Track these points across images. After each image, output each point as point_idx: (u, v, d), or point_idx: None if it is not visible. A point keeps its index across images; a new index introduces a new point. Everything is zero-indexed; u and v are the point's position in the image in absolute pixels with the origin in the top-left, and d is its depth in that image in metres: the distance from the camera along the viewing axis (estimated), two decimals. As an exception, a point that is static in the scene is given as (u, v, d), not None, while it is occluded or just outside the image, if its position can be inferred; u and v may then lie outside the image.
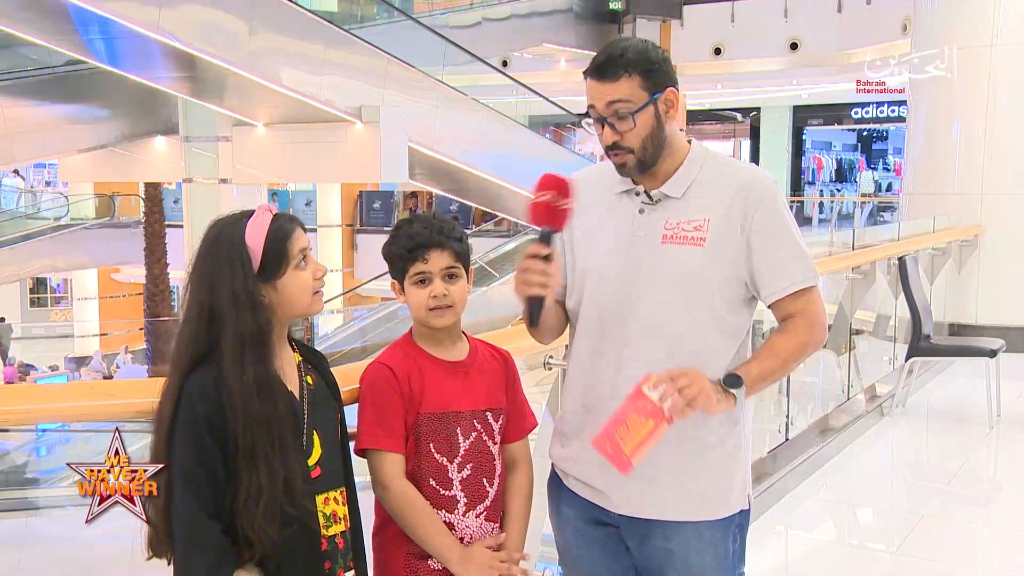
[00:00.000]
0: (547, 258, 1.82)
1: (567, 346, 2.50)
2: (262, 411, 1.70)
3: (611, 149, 1.91)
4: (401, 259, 1.97)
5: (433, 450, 1.95)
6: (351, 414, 1.98)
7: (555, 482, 2.12)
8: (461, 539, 1.96)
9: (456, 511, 1.96)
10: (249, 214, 1.79)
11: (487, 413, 2.01)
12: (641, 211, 1.95)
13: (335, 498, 1.83)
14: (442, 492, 1.95)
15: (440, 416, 1.96)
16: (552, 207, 1.82)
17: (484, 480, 1.99)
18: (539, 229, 1.84)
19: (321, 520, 1.80)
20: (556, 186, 1.83)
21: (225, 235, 1.77)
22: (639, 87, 1.87)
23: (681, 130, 1.98)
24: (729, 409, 1.86)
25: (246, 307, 1.72)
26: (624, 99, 1.87)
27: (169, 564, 1.72)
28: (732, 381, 1.86)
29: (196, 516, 1.66)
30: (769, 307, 1.96)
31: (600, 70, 1.89)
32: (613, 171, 1.97)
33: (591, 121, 1.93)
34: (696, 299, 1.91)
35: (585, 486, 2.03)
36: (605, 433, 1.79)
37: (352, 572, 1.86)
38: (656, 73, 1.88)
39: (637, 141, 1.89)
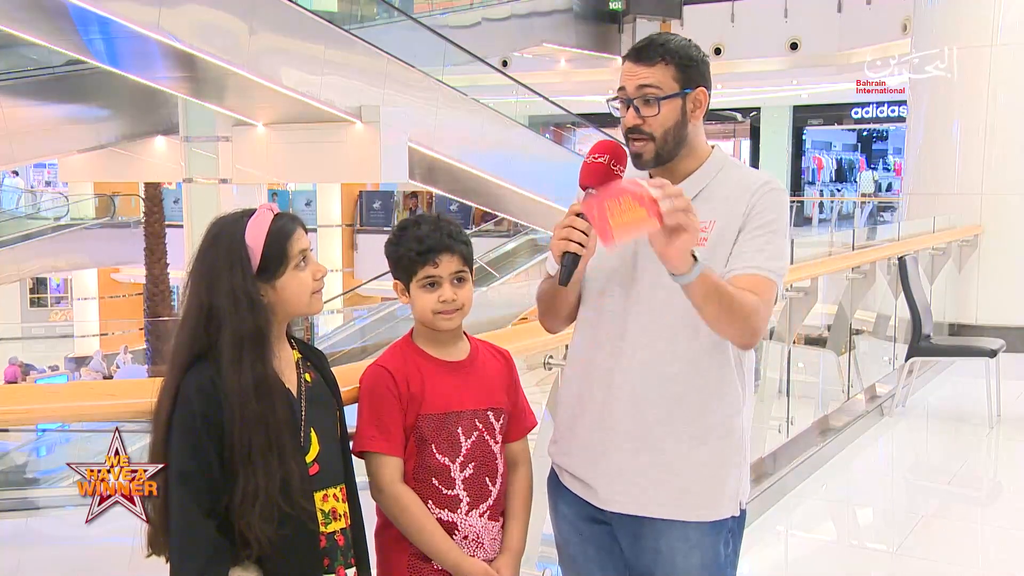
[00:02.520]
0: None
1: (567, 346, 2.50)
2: (259, 411, 1.70)
3: (631, 133, 1.91)
4: (410, 262, 1.96)
5: (435, 450, 1.95)
6: (351, 414, 1.98)
7: (553, 479, 2.12)
8: (465, 537, 1.96)
9: (459, 511, 1.96)
10: (250, 213, 1.79)
11: (488, 412, 2.01)
12: None
13: (335, 495, 1.84)
14: (445, 492, 1.95)
15: (441, 416, 1.96)
16: (609, 169, 1.84)
17: (487, 479, 1.99)
18: (586, 190, 1.84)
19: (320, 517, 1.80)
20: (612, 151, 1.85)
21: (225, 234, 1.77)
22: (672, 77, 1.88)
23: None
24: (681, 266, 1.70)
25: (245, 307, 1.72)
26: (655, 84, 1.88)
27: (168, 562, 1.72)
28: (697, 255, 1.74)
29: (190, 514, 1.67)
30: None
31: (639, 53, 1.91)
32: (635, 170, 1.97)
33: (617, 104, 1.94)
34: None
35: (576, 480, 2.03)
36: (596, 199, 1.70)
37: (353, 569, 1.86)
38: (692, 70, 1.90)
39: (659, 129, 1.89)
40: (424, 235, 1.95)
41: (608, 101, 1.96)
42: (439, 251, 1.94)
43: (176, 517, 1.67)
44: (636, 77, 1.89)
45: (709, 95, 1.94)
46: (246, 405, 1.69)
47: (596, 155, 1.86)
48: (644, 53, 1.90)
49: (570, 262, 1.82)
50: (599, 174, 1.84)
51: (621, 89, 1.92)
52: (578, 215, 1.81)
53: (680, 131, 1.91)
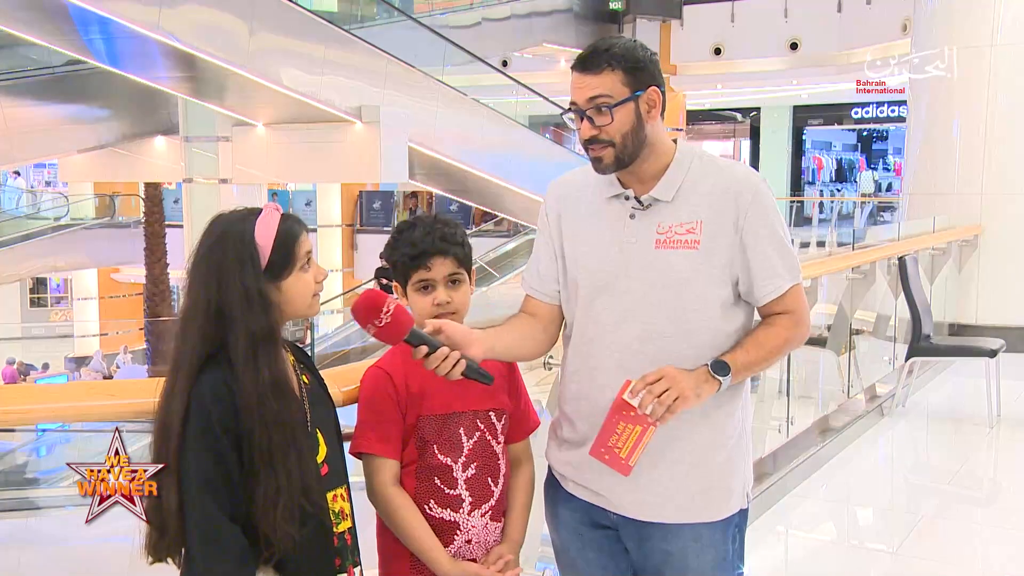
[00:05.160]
0: (428, 352, 1.76)
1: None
2: (278, 411, 1.68)
3: (589, 144, 1.89)
4: (403, 266, 1.96)
5: (437, 451, 1.95)
6: (348, 414, 1.98)
7: (552, 484, 2.11)
8: (468, 541, 1.96)
9: (461, 510, 1.96)
10: (256, 212, 1.77)
11: (490, 413, 2.01)
12: (632, 216, 1.92)
13: (341, 495, 1.83)
14: (447, 491, 1.95)
15: (442, 417, 1.96)
16: (385, 329, 1.74)
17: (489, 479, 1.99)
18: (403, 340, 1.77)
19: (331, 517, 1.80)
20: (367, 311, 1.74)
21: (234, 231, 1.73)
22: (621, 83, 1.85)
23: (679, 130, 1.97)
24: (711, 394, 1.86)
25: (257, 305, 1.70)
26: (604, 94, 1.85)
27: (178, 567, 1.70)
28: (719, 368, 1.85)
29: (216, 520, 1.64)
30: (758, 308, 1.97)
31: (584, 63, 1.87)
32: (599, 175, 1.94)
33: (572, 116, 1.90)
34: (690, 303, 1.89)
35: (584, 489, 2.02)
36: (599, 443, 1.84)
37: (360, 568, 1.86)
38: (640, 71, 1.86)
39: (617, 136, 1.86)
40: (417, 239, 1.95)
41: (562, 115, 1.94)
42: (431, 255, 1.94)
43: (202, 525, 1.64)
44: (585, 88, 1.86)
45: (663, 92, 1.91)
46: (264, 405, 1.66)
47: (366, 327, 1.75)
48: (589, 62, 1.86)
49: (474, 373, 1.81)
50: (386, 335, 1.75)
51: (573, 102, 1.88)
52: (424, 357, 1.76)
53: (638, 134, 1.88)
